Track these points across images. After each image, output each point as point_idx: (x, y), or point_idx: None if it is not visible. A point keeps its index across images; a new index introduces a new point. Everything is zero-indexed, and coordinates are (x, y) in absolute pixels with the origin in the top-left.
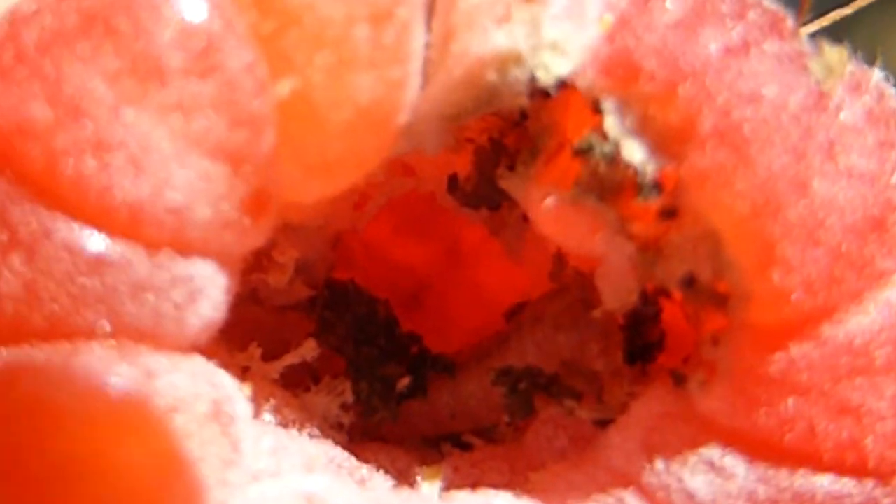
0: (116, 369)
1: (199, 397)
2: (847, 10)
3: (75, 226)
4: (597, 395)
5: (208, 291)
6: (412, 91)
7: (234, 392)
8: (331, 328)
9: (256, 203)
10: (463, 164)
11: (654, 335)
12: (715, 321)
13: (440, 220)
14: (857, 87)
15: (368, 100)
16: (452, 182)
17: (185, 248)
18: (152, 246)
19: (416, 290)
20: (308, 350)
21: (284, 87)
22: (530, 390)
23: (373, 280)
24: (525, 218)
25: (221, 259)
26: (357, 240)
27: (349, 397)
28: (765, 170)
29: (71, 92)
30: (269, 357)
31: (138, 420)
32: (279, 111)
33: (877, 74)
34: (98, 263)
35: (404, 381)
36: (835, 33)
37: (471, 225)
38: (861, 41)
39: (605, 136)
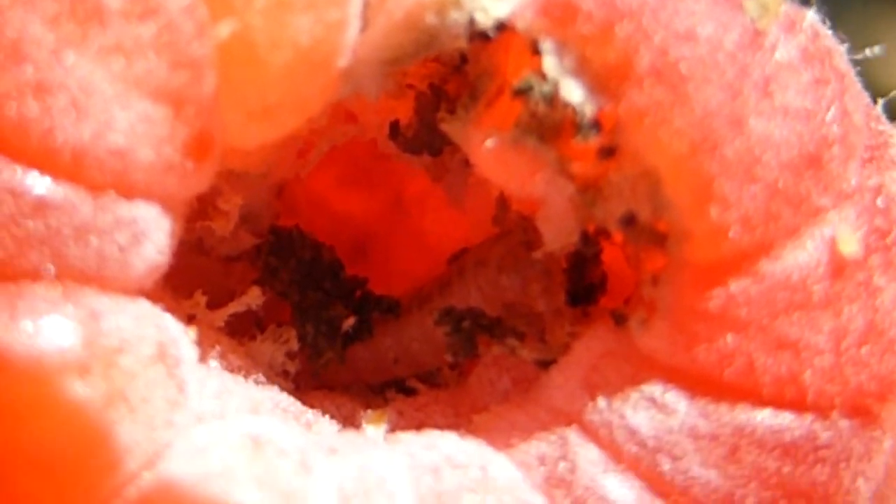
0: (62, 309)
1: (145, 339)
2: None
3: (18, 168)
4: (539, 335)
5: (152, 234)
6: (352, 34)
7: (180, 335)
8: (275, 273)
9: (198, 146)
10: (404, 111)
11: (595, 276)
12: (655, 260)
13: (383, 170)
14: (791, 26)
15: (308, 41)
16: (394, 128)
17: (129, 191)
18: (95, 188)
19: (361, 240)
20: (253, 298)
21: (224, 29)
22: (473, 329)
23: (317, 229)
24: (467, 163)
25: (165, 202)
26: (301, 189)
27: (294, 345)
28: (701, 108)
29: (11, 35)
30: (214, 306)
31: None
32: (219, 54)
33: (811, 14)
34: (42, 206)
35: (349, 322)
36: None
37: (414, 174)
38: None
39: (543, 77)
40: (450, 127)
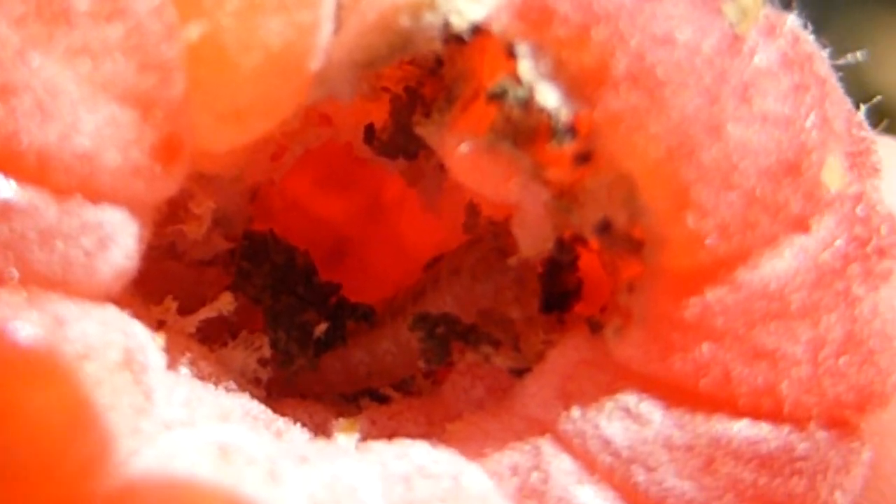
0: (25, 315)
1: (111, 345)
2: None
3: None
4: (514, 343)
5: (119, 239)
6: (324, 36)
7: (147, 342)
8: (248, 278)
9: (167, 149)
10: (379, 114)
11: (571, 283)
12: (631, 268)
13: (360, 173)
14: (771, 31)
15: (279, 44)
16: (369, 132)
17: (95, 195)
18: (61, 192)
19: (337, 243)
20: (225, 304)
21: (193, 31)
22: (448, 335)
23: (293, 233)
24: (442, 168)
25: (133, 206)
26: (276, 193)
27: (266, 352)
28: (678, 113)
29: None
30: (186, 311)
31: (47, 368)
32: (189, 56)
33: (791, 19)
34: (6, 210)
35: (321, 328)
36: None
37: (391, 177)
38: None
39: (518, 81)
40: (425, 130)
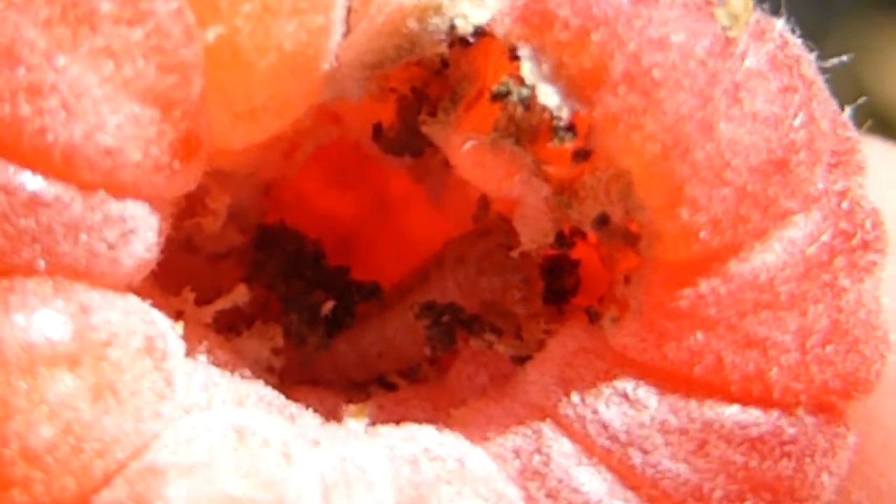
0: (52, 304)
1: (133, 333)
2: None
3: (11, 167)
4: (515, 332)
5: (141, 232)
6: (335, 38)
7: (167, 329)
8: (262, 267)
9: (185, 147)
10: (387, 113)
11: (570, 282)
12: (627, 260)
13: (368, 170)
14: (761, 35)
15: (292, 46)
16: (377, 130)
17: (118, 190)
18: (86, 187)
19: (345, 238)
20: (239, 295)
21: (210, 33)
22: (452, 324)
23: (303, 226)
24: (447, 165)
25: (153, 201)
26: (288, 188)
27: (280, 342)
28: (673, 113)
29: (4, 39)
30: (202, 302)
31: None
32: (206, 57)
33: (780, 23)
34: (34, 203)
35: (328, 305)
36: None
37: (397, 173)
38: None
39: (521, 82)
40: (430, 129)
